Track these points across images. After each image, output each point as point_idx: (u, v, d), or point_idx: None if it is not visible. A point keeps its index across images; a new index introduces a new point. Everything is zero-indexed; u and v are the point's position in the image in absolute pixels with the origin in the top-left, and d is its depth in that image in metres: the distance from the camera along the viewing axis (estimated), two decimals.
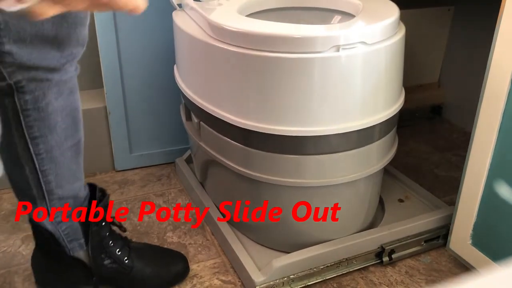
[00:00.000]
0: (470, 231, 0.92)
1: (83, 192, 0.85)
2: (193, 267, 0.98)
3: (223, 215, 1.04)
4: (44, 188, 0.79)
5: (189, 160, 1.28)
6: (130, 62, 1.23)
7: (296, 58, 0.77)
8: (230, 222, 1.03)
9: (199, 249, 1.03)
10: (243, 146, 0.87)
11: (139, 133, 1.31)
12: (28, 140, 0.75)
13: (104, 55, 1.19)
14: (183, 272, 0.95)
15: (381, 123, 0.86)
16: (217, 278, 0.95)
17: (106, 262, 0.87)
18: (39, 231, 0.83)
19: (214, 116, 0.89)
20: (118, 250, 0.88)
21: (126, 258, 0.89)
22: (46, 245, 0.85)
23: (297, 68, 0.78)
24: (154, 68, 1.25)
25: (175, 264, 0.95)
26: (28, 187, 0.78)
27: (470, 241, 0.93)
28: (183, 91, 1.00)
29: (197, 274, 0.96)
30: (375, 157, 0.90)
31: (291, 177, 0.86)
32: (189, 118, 1.06)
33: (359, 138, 0.85)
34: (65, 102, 0.76)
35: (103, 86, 1.23)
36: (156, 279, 0.92)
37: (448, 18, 1.52)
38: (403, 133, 1.54)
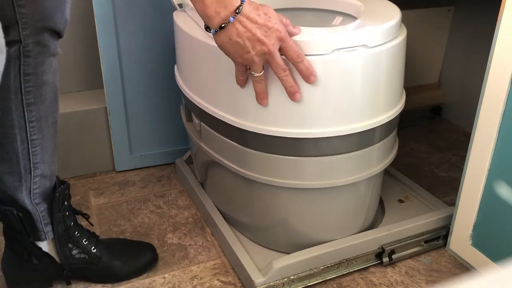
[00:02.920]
0: (470, 232, 0.92)
1: (55, 176, 0.87)
2: (193, 268, 0.98)
3: (223, 216, 1.04)
4: (31, 160, 0.81)
5: (189, 161, 1.28)
6: (130, 62, 1.23)
7: None
8: (230, 223, 1.03)
9: (199, 250, 1.03)
10: (243, 147, 0.87)
11: (139, 134, 1.31)
12: (25, 106, 0.78)
13: (104, 55, 1.19)
14: (152, 261, 0.98)
15: (382, 125, 0.86)
16: (217, 279, 0.95)
17: (74, 252, 0.89)
18: (11, 224, 0.84)
19: (214, 117, 0.89)
20: (84, 240, 0.90)
21: (93, 247, 0.91)
22: (19, 240, 0.86)
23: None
24: (154, 68, 1.25)
25: (144, 253, 0.97)
26: (17, 161, 0.80)
27: (470, 242, 0.93)
28: (183, 92, 1.00)
29: (197, 275, 0.96)
30: (376, 159, 0.90)
31: (291, 179, 0.86)
32: (189, 118, 1.06)
33: (360, 140, 0.85)
34: (53, 78, 0.81)
35: (103, 87, 1.23)
36: (125, 269, 0.94)
37: (448, 18, 1.52)
38: (403, 133, 1.54)
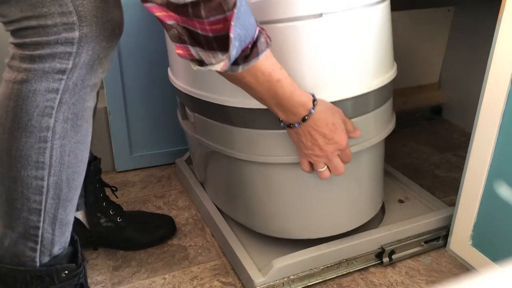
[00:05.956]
0: (470, 232, 0.92)
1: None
2: (193, 269, 0.98)
3: (223, 216, 1.04)
4: None
5: (189, 161, 1.28)
6: (130, 62, 1.23)
7: (280, 27, 0.76)
8: (231, 222, 1.03)
9: (199, 251, 1.03)
10: (236, 127, 0.86)
11: (140, 134, 1.31)
12: None
13: None
14: (170, 232, 1.07)
15: (375, 90, 0.84)
16: (217, 280, 0.95)
17: (102, 220, 0.99)
18: None
19: (206, 102, 0.87)
20: (111, 210, 1.00)
21: (119, 217, 1.00)
22: None
23: (281, 37, 0.76)
24: (154, 68, 1.25)
25: (163, 225, 1.07)
26: None
27: (470, 242, 0.93)
28: (175, 86, 0.98)
29: (197, 276, 0.96)
30: (373, 128, 0.89)
31: (286, 154, 0.85)
32: (184, 116, 1.05)
33: (355, 106, 0.83)
34: None
35: (103, 87, 1.23)
36: (146, 238, 1.03)
37: (448, 19, 1.52)
38: (404, 133, 1.54)
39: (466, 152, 0.91)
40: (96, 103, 0.91)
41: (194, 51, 0.63)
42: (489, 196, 0.87)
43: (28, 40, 0.63)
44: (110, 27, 0.67)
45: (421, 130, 1.56)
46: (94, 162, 0.97)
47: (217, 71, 0.67)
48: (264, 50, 0.67)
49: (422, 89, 1.61)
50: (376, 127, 0.90)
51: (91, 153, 0.97)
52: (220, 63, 0.62)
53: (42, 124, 0.66)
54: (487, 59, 0.83)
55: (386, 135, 0.93)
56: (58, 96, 0.65)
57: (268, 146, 0.85)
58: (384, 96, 0.89)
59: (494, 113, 0.83)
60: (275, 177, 0.89)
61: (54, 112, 0.66)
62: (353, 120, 0.84)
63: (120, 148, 1.30)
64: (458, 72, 1.55)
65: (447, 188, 1.24)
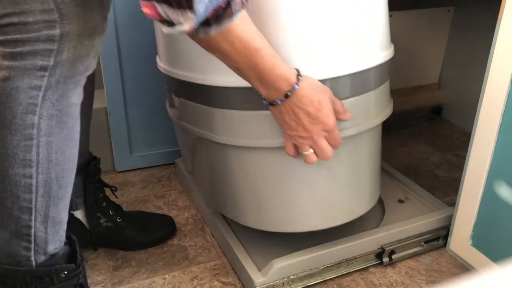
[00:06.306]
0: (470, 232, 0.92)
1: (87, 153, 0.98)
2: (193, 269, 0.98)
3: (223, 215, 1.04)
4: None
5: None
6: (130, 62, 1.23)
7: None
8: (230, 219, 1.02)
9: (199, 251, 1.03)
10: (220, 109, 0.83)
11: (140, 134, 1.31)
12: None
13: (104, 55, 1.19)
14: (170, 232, 1.07)
15: (375, 67, 0.81)
16: (217, 280, 0.95)
17: (102, 220, 0.99)
18: None
19: (187, 83, 0.85)
20: (111, 210, 1.00)
21: (119, 217, 1.01)
22: None
23: (262, 7, 0.73)
24: (154, 68, 1.25)
25: (163, 225, 1.07)
26: None
27: (470, 242, 0.93)
28: (160, 70, 0.96)
29: (197, 276, 0.96)
30: (374, 108, 0.85)
31: (276, 137, 0.80)
32: (172, 105, 1.01)
33: (354, 83, 0.80)
34: None
35: (103, 87, 1.23)
36: (146, 238, 1.03)
37: (448, 18, 1.52)
38: (404, 133, 1.54)
39: (466, 152, 0.91)
40: (92, 101, 0.91)
41: (161, 8, 0.60)
42: (489, 196, 0.87)
43: (9, 37, 0.63)
44: (92, 26, 0.66)
45: (421, 130, 1.56)
46: (93, 162, 0.97)
47: (190, 35, 0.63)
48: (238, 11, 0.63)
49: (422, 89, 1.61)
50: (376, 107, 0.86)
51: (90, 153, 0.98)
52: (189, 22, 0.59)
53: (26, 121, 0.65)
54: (487, 59, 0.83)
55: (386, 117, 0.89)
56: (41, 93, 0.65)
57: (251, 128, 0.81)
58: (383, 75, 0.87)
59: (494, 113, 0.83)
60: (259, 162, 0.85)
61: (37, 109, 0.65)
62: (352, 99, 0.80)
63: (120, 148, 1.30)
64: (458, 72, 1.55)
65: (447, 188, 1.24)
